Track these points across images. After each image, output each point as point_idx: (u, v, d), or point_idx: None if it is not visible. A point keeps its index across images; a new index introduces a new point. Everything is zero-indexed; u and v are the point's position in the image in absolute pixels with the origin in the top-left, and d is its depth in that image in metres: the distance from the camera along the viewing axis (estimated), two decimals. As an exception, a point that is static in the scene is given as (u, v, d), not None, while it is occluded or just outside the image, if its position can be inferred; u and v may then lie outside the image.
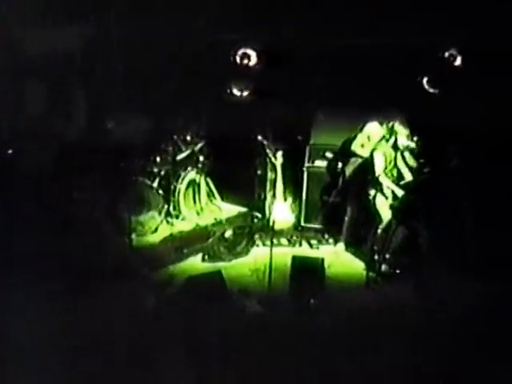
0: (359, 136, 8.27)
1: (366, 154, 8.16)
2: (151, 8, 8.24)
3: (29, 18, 7.93)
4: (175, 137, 8.94)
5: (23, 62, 8.29)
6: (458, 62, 8.40)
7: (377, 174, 7.86)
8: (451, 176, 7.76)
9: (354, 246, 8.47)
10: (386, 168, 7.87)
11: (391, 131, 7.91)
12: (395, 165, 7.89)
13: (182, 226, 8.80)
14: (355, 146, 8.30)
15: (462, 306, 6.92)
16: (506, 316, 6.62)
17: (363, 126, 8.24)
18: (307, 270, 7.33)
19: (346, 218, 8.51)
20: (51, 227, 7.41)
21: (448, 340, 6.28)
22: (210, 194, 9.26)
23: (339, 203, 8.64)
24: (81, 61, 8.61)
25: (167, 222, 8.73)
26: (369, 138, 8.16)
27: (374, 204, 7.94)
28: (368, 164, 8.02)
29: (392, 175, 7.88)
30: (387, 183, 7.82)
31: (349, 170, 8.43)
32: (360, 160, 8.27)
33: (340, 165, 8.64)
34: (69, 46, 8.46)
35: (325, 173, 8.90)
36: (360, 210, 8.28)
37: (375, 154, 7.91)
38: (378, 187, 7.88)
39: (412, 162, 7.88)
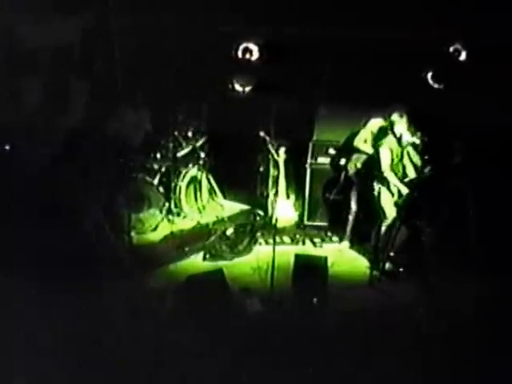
0: (362, 131, 8.24)
1: (368, 149, 8.12)
2: (152, 1, 8.18)
3: (25, 10, 7.87)
4: (176, 133, 8.89)
5: (21, 54, 8.24)
6: (463, 56, 8.36)
7: (382, 170, 7.78)
8: (456, 172, 7.71)
9: (357, 244, 8.43)
10: (391, 164, 7.77)
11: (395, 127, 7.84)
12: (400, 161, 7.80)
13: (183, 223, 8.79)
14: (358, 142, 8.26)
15: (466, 304, 6.87)
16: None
17: (367, 121, 8.19)
18: (310, 269, 7.28)
19: (350, 216, 8.45)
20: (49, 224, 7.34)
21: (452, 339, 6.23)
22: (211, 192, 9.23)
23: (343, 200, 8.59)
24: (80, 54, 8.56)
25: (168, 219, 8.69)
26: (372, 133, 8.11)
27: (379, 201, 7.87)
28: (373, 160, 7.95)
29: (398, 172, 7.78)
30: (393, 180, 7.74)
31: (352, 167, 8.35)
32: (363, 156, 8.21)
33: (343, 161, 8.57)
34: (68, 39, 8.42)
35: (328, 170, 8.83)
36: (364, 207, 8.23)
37: (381, 150, 7.83)
38: (384, 184, 7.80)
39: (416, 159, 7.81)
